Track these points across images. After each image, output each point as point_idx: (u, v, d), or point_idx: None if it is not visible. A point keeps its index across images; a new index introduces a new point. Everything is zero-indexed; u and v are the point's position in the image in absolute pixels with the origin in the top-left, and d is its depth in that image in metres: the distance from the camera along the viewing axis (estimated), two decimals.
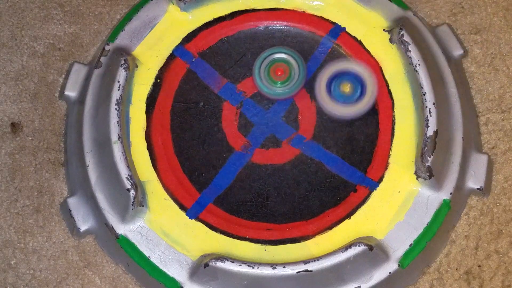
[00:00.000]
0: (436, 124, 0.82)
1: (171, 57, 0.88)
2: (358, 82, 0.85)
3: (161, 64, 0.88)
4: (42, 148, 0.89)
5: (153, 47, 0.88)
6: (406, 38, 0.85)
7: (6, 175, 0.87)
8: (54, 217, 0.86)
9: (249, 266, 0.78)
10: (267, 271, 0.78)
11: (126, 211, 0.81)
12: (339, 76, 0.85)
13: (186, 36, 0.89)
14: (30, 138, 0.89)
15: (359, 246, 0.78)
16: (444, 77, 0.86)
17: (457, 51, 0.91)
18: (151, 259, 0.81)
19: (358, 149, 0.85)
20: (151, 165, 0.84)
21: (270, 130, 0.86)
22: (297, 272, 0.78)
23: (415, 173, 0.82)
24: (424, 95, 0.83)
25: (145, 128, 0.85)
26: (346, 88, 0.85)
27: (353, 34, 0.88)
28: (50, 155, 0.88)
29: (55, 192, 0.87)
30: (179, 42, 0.88)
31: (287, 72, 0.85)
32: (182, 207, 0.83)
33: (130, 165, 0.81)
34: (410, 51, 0.84)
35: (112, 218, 0.82)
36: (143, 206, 0.81)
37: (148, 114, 0.86)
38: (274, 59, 0.85)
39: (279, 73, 0.85)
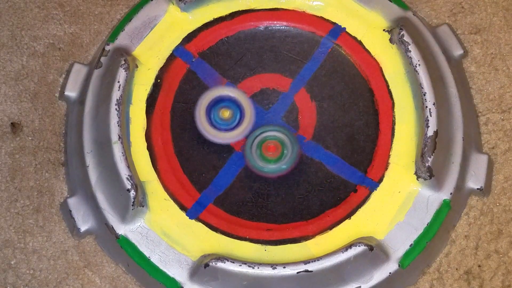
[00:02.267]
0: (436, 124, 0.82)
1: (171, 57, 0.88)
2: (237, 108, 0.85)
3: (161, 64, 0.88)
4: (42, 148, 0.89)
5: (153, 47, 0.88)
6: (406, 38, 0.85)
7: (6, 175, 0.87)
8: (54, 217, 0.86)
9: (249, 266, 0.78)
10: (267, 271, 0.78)
11: (126, 211, 0.81)
12: (217, 103, 0.85)
13: (186, 36, 0.89)
14: (30, 138, 0.89)
15: (359, 246, 0.78)
16: (444, 77, 0.86)
17: (457, 51, 0.91)
18: (151, 259, 0.81)
19: (358, 149, 0.85)
20: (151, 165, 0.84)
21: None
22: (297, 272, 0.78)
23: (415, 173, 0.82)
24: (424, 95, 0.83)
25: (145, 128, 0.85)
26: (226, 114, 0.85)
27: (353, 34, 0.88)
28: (50, 155, 0.88)
29: (55, 192, 0.87)
30: (179, 42, 0.88)
31: (280, 149, 0.84)
32: (182, 207, 0.83)
33: (130, 165, 0.81)
34: (410, 51, 0.84)
35: (112, 218, 0.82)
36: (143, 206, 0.81)
37: (148, 114, 0.86)
38: (264, 137, 0.84)
39: (271, 151, 0.84)
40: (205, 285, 0.80)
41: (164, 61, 0.88)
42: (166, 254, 0.81)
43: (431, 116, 0.82)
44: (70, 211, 0.85)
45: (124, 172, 0.80)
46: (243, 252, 0.81)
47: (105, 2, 0.94)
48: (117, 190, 0.81)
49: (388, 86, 0.87)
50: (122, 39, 0.88)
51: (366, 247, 0.78)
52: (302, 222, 0.83)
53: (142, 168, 0.84)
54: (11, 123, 0.90)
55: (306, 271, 0.78)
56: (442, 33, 0.91)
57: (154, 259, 0.81)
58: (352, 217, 0.82)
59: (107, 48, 0.87)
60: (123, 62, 0.84)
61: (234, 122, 0.85)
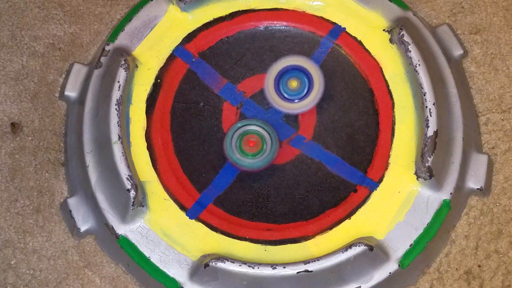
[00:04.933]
0: (436, 124, 0.82)
1: (171, 57, 0.88)
2: (306, 78, 0.85)
3: (161, 64, 0.88)
4: (42, 148, 0.89)
5: (153, 47, 0.88)
6: (406, 38, 0.85)
7: (6, 175, 0.87)
8: (54, 217, 0.86)
9: (249, 266, 0.78)
10: (267, 271, 0.78)
11: (126, 212, 0.81)
12: (286, 73, 0.85)
13: (186, 36, 0.89)
14: (30, 138, 0.89)
15: (359, 246, 0.78)
16: (444, 77, 0.86)
17: (457, 51, 0.91)
18: (151, 259, 0.81)
19: (358, 149, 0.85)
20: (151, 165, 0.84)
21: None
22: (297, 273, 0.78)
23: (415, 173, 0.82)
24: (424, 95, 0.83)
25: (145, 128, 0.85)
26: (294, 84, 0.85)
27: (353, 34, 0.88)
28: (50, 155, 0.88)
29: (55, 192, 0.87)
30: (179, 42, 0.88)
31: (259, 144, 0.84)
32: (182, 207, 0.83)
33: (130, 165, 0.81)
34: (410, 51, 0.84)
35: (112, 218, 0.82)
36: (143, 206, 0.81)
37: (148, 114, 0.86)
38: (246, 130, 0.84)
39: (251, 145, 0.84)
40: (205, 285, 0.80)
41: (164, 61, 0.88)
42: (166, 254, 0.81)
43: (431, 116, 0.82)
44: (70, 211, 0.85)
45: (124, 172, 0.81)
46: (243, 252, 0.81)
47: (105, 2, 0.94)
48: (117, 190, 0.81)
49: (388, 86, 0.87)
50: (122, 39, 0.88)
51: (366, 247, 0.78)
52: (302, 222, 0.83)
53: (142, 168, 0.84)
54: (11, 123, 0.90)
55: (306, 271, 0.78)
56: (442, 33, 0.91)
57: (154, 259, 0.81)
58: (352, 217, 0.82)
59: (107, 48, 0.87)
60: (123, 62, 0.84)
61: (303, 92, 0.85)
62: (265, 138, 0.83)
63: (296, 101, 0.85)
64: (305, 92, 0.85)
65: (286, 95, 0.85)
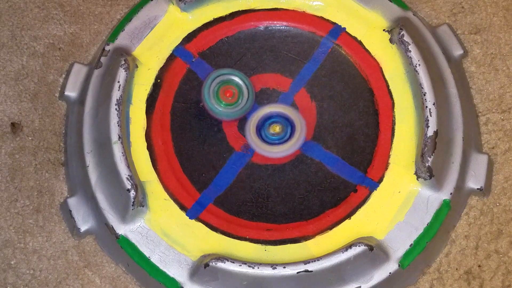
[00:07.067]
0: (436, 124, 0.82)
1: (171, 57, 0.88)
2: (288, 122, 0.85)
3: (161, 64, 0.88)
4: (42, 148, 0.89)
5: (153, 47, 0.88)
6: (406, 38, 0.85)
7: (6, 175, 0.87)
8: (54, 217, 0.86)
9: (249, 266, 0.78)
10: (267, 271, 0.78)
11: (126, 212, 0.81)
12: (268, 119, 0.85)
13: (186, 36, 0.89)
14: (30, 138, 0.89)
15: (359, 246, 0.78)
16: (444, 77, 0.86)
17: (457, 51, 0.91)
18: (151, 259, 0.81)
19: (358, 149, 0.85)
20: (151, 165, 0.84)
21: None
22: (297, 273, 0.78)
23: (415, 173, 0.82)
24: (424, 95, 0.83)
25: (145, 128, 0.85)
26: (276, 129, 0.85)
27: (353, 34, 0.88)
28: (50, 155, 0.88)
29: (55, 192, 0.87)
30: (179, 42, 0.88)
31: (236, 95, 0.84)
32: (182, 207, 0.83)
33: (130, 165, 0.81)
34: (410, 51, 0.85)
35: (112, 218, 0.82)
36: (143, 206, 0.81)
37: (148, 114, 0.86)
38: (227, 79, 0.84)
39: (228, 95, 0.84)
40: (205, 285, 0.80)
41: (164, 61, 0.88)
42: (166, 254, 0.81)
43: (431, 116, 0.82)
44: (70, 211, 0.85)
45: (124, 172, 0.81)
46: (243, 252, 0.81)
47: (105, 2, 0.94)
48: (117, 190, 0.81)
49: (388, 86, 0.87)
50: (122, 39, 0.88)
51: (366, 247, 0.78)
52: (302, 222, 0.83)
53: (142, 168, 0.84)
54: (11, 123, 0.90)
55: (306, 271, 0.78)
56: (442, 33, 0.91)
57: (154, 259, 0.81)
58: (352, 217, 0.82)
59: (107, 48, 0.87)
60: (123, 62, 0.84)
61: (285, 136, 0.85)
62: (242, 92, 0.84)
63: (278, 144, 0.85)
64: (287, 136, 0.85)
65: (267, 140, 0.85)
